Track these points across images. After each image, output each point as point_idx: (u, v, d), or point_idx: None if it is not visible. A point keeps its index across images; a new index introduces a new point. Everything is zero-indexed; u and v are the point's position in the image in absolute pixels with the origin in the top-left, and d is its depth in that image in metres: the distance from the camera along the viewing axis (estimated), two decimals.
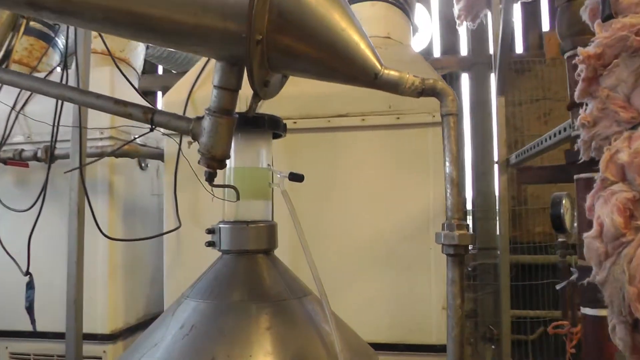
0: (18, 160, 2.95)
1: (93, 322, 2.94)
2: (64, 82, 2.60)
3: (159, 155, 2.99)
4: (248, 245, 1.70)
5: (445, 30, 5.61)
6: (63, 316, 2.57)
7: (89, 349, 2.87)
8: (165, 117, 1.48)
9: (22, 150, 2.96)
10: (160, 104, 5.99)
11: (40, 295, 2.74)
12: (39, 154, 2.85)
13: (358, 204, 2.67)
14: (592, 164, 1.41)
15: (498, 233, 4.40)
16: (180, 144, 2.72)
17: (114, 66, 2.93)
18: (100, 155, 2.75)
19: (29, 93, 3.13)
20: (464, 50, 5.53)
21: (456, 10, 3.45)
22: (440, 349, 2.59)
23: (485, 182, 4.56)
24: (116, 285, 3.05)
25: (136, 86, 3.33)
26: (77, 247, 2.51)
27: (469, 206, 4.62)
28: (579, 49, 1.33)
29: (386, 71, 1.31)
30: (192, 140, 1.44)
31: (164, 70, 6.28)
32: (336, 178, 2.69)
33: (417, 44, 4.77)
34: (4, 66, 3.02)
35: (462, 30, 5.50)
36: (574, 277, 1.87)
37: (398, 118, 2.63)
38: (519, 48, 5.13)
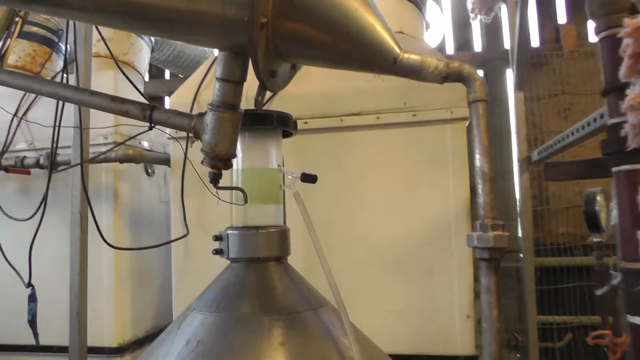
0: (20, 167, 2.84)
1: (99, 335, 2.84)
2: None
3: (166, 161, 2.88)
4: (258, 252, 1.56)
5: (458, 26, 5.47)
6: (67, 329, 2.45)
7: None
8: (164, 114, 1.36)
9: (24, 157, 2.86)
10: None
11: (43, 308, 2.63)
12: (41, 161, 2.74)
13: (374, 208, 2.54)
14: (636, 154, 1.26)
15: (520, 235, 4.25)
16: (186, 148, 2.60)
17: (117, 70, 2.81)
18: (104, 160, 2.63)
19: (31, 99, 3.03)
20: (477, 46, 5.41)
21: (470, 3, 3.31)
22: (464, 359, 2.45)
23: (504, 182, 4.40)
24: (123, 296, 2.93)
25: (141, 90, 3.21)
26: (80, 257, 2.39)
27: None
28: (625, 21, 1.19)
29: (406, 55, 1.17)
30: (195, 139, 1.31)
31: (171, 74, 6.18)
32: (350, 180, 2.57)
33: (430, 40, 4.64)
34: None
35: (476, 26, 5.36)
36: (616, 281, 1.72)
37: (414, 115, 2.50)
38: (534, 42, 4.97)
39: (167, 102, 6.27)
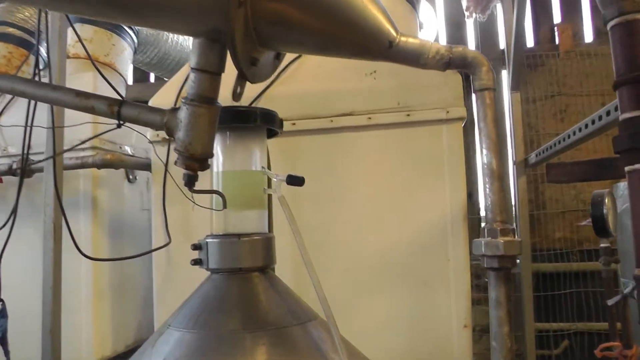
0: None
1: (77, 351, 2.70)
2: None
3: (147, 166, 2.73)
4: (240, 262, 1.43)
5: (451, 26, 5.36)
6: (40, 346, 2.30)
7: None
8: (134, 110, 1.22)
9: None
10: None
11: (15, 323, 2.46)
12: (14, 167, 2.59)
13: (366, 213, 2.41)
14: None
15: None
16: (168, 151, 2.46)
17: (97, 72, 2.68)
18: (81, 166, 2.49)
19: (3, 104, 2.88)
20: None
21: (465, 1, 3.20)
22: None
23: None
24: (102, 309, 2.79)
25: (123, 94, 3.07)
26: (54, 270, 2.25)
27: (482, 213, 4.35)
28: None
29: (403, 38, 1.05)
30: (168, 137, 1.17)
31: (156, 78, 6.03)
32: (341, 184, 2.43)
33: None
34: None
35: (469, 26, 5.25)
36: (627, 289, 1.60)
37: (408, 115, 2.38)
38: (529, 42, 4.86)
39: None
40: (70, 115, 2.45)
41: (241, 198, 1.49)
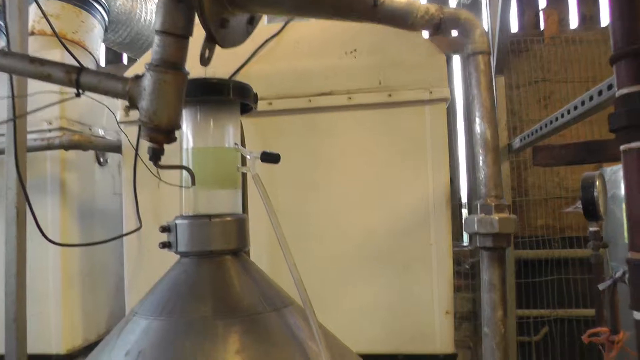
0: None
1: (46, 341, 2.58)
2: None
3: (118, 148, 2.62)
4: (211, 244, 1.34)
5: None
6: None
7: None
8: (94, 77, 1.12)
9: None
10: None
11: None
12: None
13: (346, 197, 2.33)
14: None
15: None
16: (139, 131, 2.35)
17: (64, 50, 2.55)
18: (47, 147, 2.37)
19: None
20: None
21: None
22: (443, 358, 2.28)
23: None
24: (72, 297, 2.67)
25: None
26: (17, 257, 2.13)
27: (464, 198, 4.30)
28: None
29: None
30: (129, 107, 1.07)
31: (129, 59, 5.87)
32: (319, 167, 2.36)
33: None
34: None
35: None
36: (618, 274, 1.54)
37: (390, 95, 2.30)
38: (513, 27, 4.78)
39: None
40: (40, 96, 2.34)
41: (213, 176, 1.39)
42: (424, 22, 0.97)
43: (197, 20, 1.03)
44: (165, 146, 1.14)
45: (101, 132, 2.87)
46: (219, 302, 1.28)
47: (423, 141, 2.29)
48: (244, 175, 1.74)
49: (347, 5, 0.96)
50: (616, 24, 1.30)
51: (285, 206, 2.26)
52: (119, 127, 2.45)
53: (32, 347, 2.53)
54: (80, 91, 1.13)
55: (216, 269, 1.34)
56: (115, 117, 2.44)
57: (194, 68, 1.23)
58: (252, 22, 1.19)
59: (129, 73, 2.43)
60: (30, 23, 2.88)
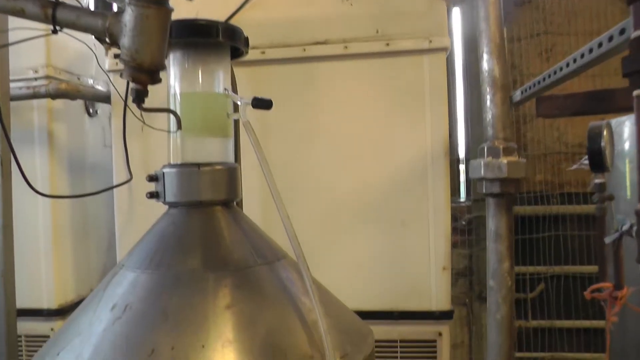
0: None
1: (38, 296, 2.56)
2: None
3: (107, 98, 2.54)
4: (201, 194, 1.28)
5: None
6: None
7: (33, 327, 2.53)
8: (71, 13, 1.05)
9: None
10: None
11: None
12: None
13: (341, 150, 2.28)
14: None
15: None
16: (128, 86, 2.26)
17: None
18: (33, 96, 2.29)
19: None
20: None
21: None
22: (439, 316, 2.27)
23: (479, 127, 4.14)
24: (63, 252, 2.63)
25: None
26: (3, 209, 2.07)
27: (461, 154, 4.24)
28: None
29: None
30: (110, 44, 1.00)
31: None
32: (314, 118, 2.30)
33: None
34: None
35: None
36: (625, 226, 1.49)
37: (387, 44, 2.23)
38: None
39: None
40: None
41: (202, 123, 1.33)
42: None
43: None
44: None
45: (90, 82, 2.78)
46: (209, 254, 1.23)
47: (421, 93, 2.23)
48: (236, 125, 1.67)
49: None
50: None
51: (279, 159, 2.21)
52: (107, 75, 2.37)
53: (23, 302, 2.50)
54: (58, 28, 1.05)
55: (205, 220, 1.28)
56: (100, 64, 2.36)
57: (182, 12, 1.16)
58: None
59: None
60: None
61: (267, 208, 2.08)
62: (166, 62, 1.31)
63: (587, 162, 2.05)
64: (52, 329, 2.54)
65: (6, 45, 1.95)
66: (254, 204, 2.11)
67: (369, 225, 2.25)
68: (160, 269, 1.21)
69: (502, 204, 0.92)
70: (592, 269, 3.95)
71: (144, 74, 1.00)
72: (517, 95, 2.84)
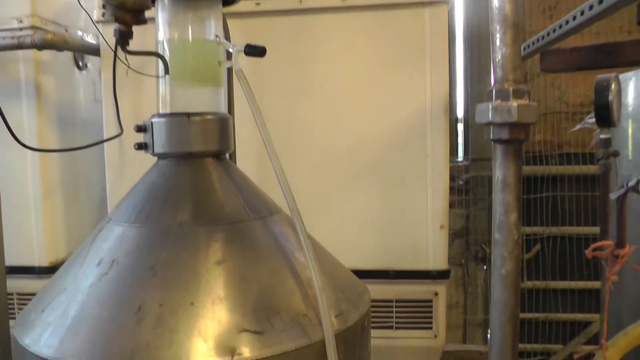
0: None
1: (28, 253, 2.52)
2: None
3: (96, 50, 2.46)
4: (191, 145, 1.23)
5: None
6: None
7: (25, 284, 2.47)
8: None
9: None
10: None
11: None
12: None
13: (338, 105, 2.22)
14: None
15: None
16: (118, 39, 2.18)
17: None
18: (18, 47, 2.20)
19: None
20: None
21: None
22: (436, 275, 2.25)
23: (482, 85, 4.08)
24: (54, 208, 2.57)
25: None
26: None
27: (460, 112, 4.17)
28: None
29: None
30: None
31: None
32: (311, 73, 2.23)
33: None
34: None
35: None
36: (632, 182, 1.44)
37: None
38: None
39: None
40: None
41: (192, 71, 1.27)
42: None
43: None
44: None
45: (79, 34, 2.69)
46: (199, 208, 1.18)
47: (422, 47, 2.17)
48: (229, 77, 1.61)
49: None
50: None
51: (274, 114, 2.14)
52: (96, 27, 2.28)
53: (13, 259, 2.46)
54: None
55: (196, 172, 1.23)
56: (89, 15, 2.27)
57: None
58: None
59: None
60: None
61: (261, 162, 2.02)
62: (154, 6, 1.24)
63: (591, 120, 2.00)
64: (43, 287, 2.50)
65: None
66: (247, 157, 2.05)
67: (365, 183, 2.21)
68: (148, 223, 1.16)
69: (510, 151, 0.86)
70: (589, 229, 3.95)
71: (128, 13, 0.94)
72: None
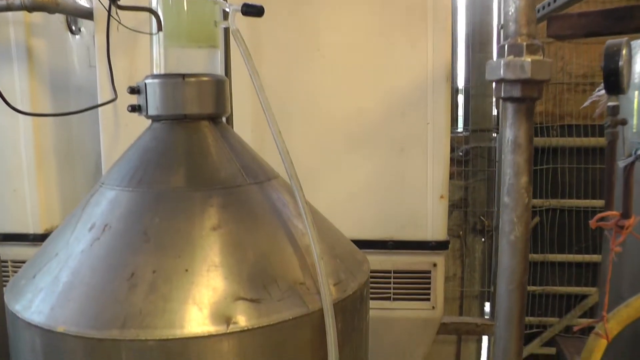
0: None
1: (23, 220, 2.49)
2: None
3: (89, 14, 2.38)
4: (185, 107, 1.18)
5: None
6: None
7: (20, 251, 2.44)
8: None
9: None
10: None
11: None
12: None
13: (337, 69, 2.16)
14: None
15: (495, 113, 3.94)
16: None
17: None
18: (7, 8, 2.14)
19: None
20: None
21: None
22: (435, 246, 2.23)
23: (484, 53, 4.00)
24: (48, 175, 2.54)
25: None
26: None
27: (461, 83, 4.10)
28: None
29: None
30: None
31: None
32: (309, 37, 2.16)
33: None
34: None
35: None
36: None
37: None
38: None
39: None
40: None
41: (186, 31, 1.22)
42: None
43: None
44: None
45: None
46: (194, 172, 1.14)
47: (424, 11, 2.11)
48: (226, 39, 1.56)
49: None
50: None
51: (272, 82, 2.09)
52: None
53: (7, 226, 2.45)
54: None
55: (191, 135, 1.19)
56: None
57: None
58: None
59: None
60: None
61: (259, 128, 1.98)
62: None
63: (601, 92, 1.94)
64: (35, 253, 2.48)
65: None
66: (244, 123, 2.01)
67: (365, 151, 2.17)
68: (141, 187, 1.12)
69: (522, 110, 0.82)
70: (589, 202, 3.92)
71: None
72: None
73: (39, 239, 2.48)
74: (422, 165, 2.15)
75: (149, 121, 1.26)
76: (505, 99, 0.82)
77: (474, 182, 4.02)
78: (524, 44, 0.78)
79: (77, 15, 2.51)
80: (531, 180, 0.82)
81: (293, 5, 2.15)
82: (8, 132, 2.38)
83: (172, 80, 1.17)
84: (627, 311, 1.65)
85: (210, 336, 0.96)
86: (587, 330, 1.82)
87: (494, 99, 3.93)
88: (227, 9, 1.19)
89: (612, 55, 1.37)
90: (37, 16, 2.35)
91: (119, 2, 0.98)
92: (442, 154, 2.13)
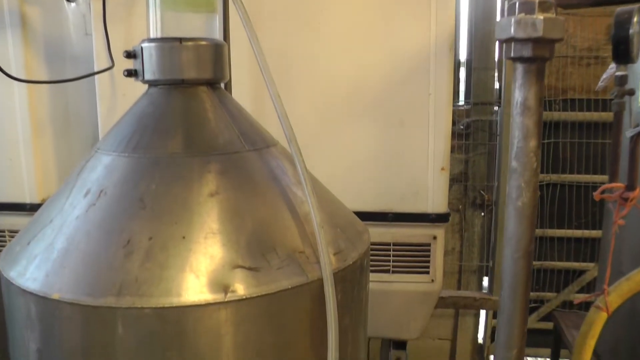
0: None
1: (19, 190, 2.48)
2: None
3: None
4: (183, 72, 1.15)
5: None
6: None
7: (16, 221, 2.44)
8: None
9: None
10: None
11: None
12: None
13: (337, 38, 2.11)
14: None
15: (497, 86, 3.89)
16: None
17: None
18: None
19: None
20: None
21: None
22: (435, 218, 2.20)
23: (486, 24, 3.94)
24: (44, 144, 2.51)
25: None
26: None
27: (462, 56, 4.05)
28: None
29: None
30: None
31: None
32: (309, 5, 2.11)
33: None
34: None
35: None
36: None
37: None
38: None
39: None
40: None
41: None
42: None
43: None
44: None
45: None
46: (191, 137, 1.12)
47: None
48: (225, 3, 1.52)
49: None
50: None
51: (271, 45, 2.04)
52: None
53: (4, 196, 2.43)
54: None
55: (188, 100, 1.16)
56: None
57: None
58: None
59: None
60: None
61: (258, 95, 1.94)
62: None
63: (614, 69, 1.90)
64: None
65: None
66: (243, 90, 1.97)
67: (366, 121, 2.14)
68: (137, 152, 1.10)
69: (532, 70, 0.79)
70: (589, 177, 3.90)
71: None
72: None
73: (36, 208, 2.41)
74: (423, 136, 2.12)
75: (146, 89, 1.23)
76: (515, 59, 0.79)
77: (474, 155, 3.99)
78: (536, 0, 0.75)
79: None
80: (540, 144, 0.80)
81: None
82: (3, 100, 2.35)
83: (169, 44, 1.13)
84: (628, 284, 1.64)
85: (207, 305, 0.94)
86: (585, 306, 1.81)
87: (495, 73, 3.88)
88: None
89: (622, 23, 1.33)
90: None
91: None
92: (444, 125, 2.10)
